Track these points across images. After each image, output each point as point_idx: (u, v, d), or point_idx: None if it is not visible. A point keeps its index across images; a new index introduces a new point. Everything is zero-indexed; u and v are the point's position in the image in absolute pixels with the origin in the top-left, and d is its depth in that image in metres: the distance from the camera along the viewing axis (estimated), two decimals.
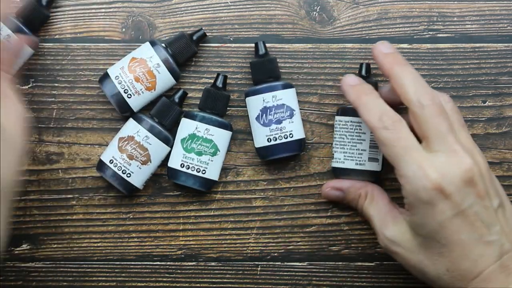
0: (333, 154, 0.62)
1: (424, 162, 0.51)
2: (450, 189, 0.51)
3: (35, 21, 0.62)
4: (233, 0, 0.65)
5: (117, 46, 0.64)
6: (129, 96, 0.61)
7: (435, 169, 0.51)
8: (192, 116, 0.61)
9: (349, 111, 0.61)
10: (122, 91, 0.61)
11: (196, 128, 0.61)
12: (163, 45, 0.62)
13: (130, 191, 0.62)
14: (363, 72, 0.62)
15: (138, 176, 0.61)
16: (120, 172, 0.61)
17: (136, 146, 0.61)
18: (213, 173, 0.62)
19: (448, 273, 0.52)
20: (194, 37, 0.63)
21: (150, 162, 0.61)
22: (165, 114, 0.62)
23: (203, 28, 0.63)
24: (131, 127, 0.61)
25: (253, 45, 0.63)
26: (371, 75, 0.62)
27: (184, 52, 0.62)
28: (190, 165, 0.61)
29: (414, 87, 0.53)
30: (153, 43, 0.62)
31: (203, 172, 0.61)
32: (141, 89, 0.61)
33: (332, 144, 0.63)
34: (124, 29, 0.65)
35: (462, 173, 0.51)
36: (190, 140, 0.61)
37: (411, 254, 0.54)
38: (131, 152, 0.61)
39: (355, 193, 0.60)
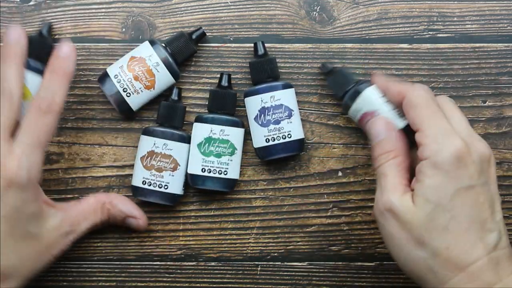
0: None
1: (450, 130, 0.53)
2: (470, 158, 0.52)
3: (42, 53, 0.61)
4: (233, 0, 0.65)
5: (117, 46, 0.64)
6: (128, 95, 0.61)
7: (463, 142, 0.52)
8: (204, 120, 0.62)
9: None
10: (121, 90, 0.61)
11: (211, 130, 0.61)
12: (163, 44, 0.62)
13: (174, 201, 0.62)
14: (327, 70, 0.63)
15: (174, 183, 0.61)
16: (157, 188, 0.61)
17: (160, 158, 0.61)
18: (234, 172, 0.62)
19: (445, 253, 0.51)
20: (194, 36, 0.63)
21: (179, 165, 0.61)
22: (171, 116, 0.62)
23: (202, 27, 0.63)
24: (146, 143, 0.61)
25: (253, 45, 0.63)
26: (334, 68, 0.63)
27: (183, 51, 0.62)
28: (211, 169, 0.61)
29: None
30: (152, 42, 0.62)
31: (225, 173, 0.61)
32: (140, 88, 0.61)
33: (332, 143, 0.63)
34: (124, 29, 0.65)
35: (482, 150, 0.53)
36: (207, 144, 0.61)
37: (414, 224, 0.52)
38: (158, 165, 0.61)
39: (389, 147, 0.56)
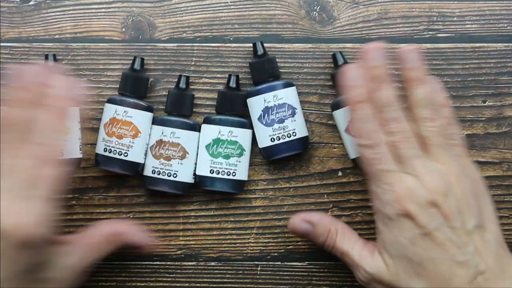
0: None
1: (394, 183, 0.53)
2: (415, 211, 0.52)
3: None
4: (233, 0, 0.65)
5: (117, 46, 0.64)
6: (125, 155, 0.61)
7: (402, 190, 0.52)
8: (212, 121, 0.62)
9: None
10: (118, 156, 0.61)
11: (220, 132, 0.61)
12: (117, 94, 0.62)
13: (184, 190, 0.62)
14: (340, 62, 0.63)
15: (183, 172, 0.61)
16: (166, 177, 0.61)
17: (168, 146, 0.61)
18: (242, 174, 0.62)
19: None
20: (135, 67, 0.62)
21: (188, 154, 0.61)
22: (180, 104, 0.62)
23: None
24: (155, 132, 0.61)
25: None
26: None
27: (136, 86, 0.62)
28: (220, 170, 0.61)
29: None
30: (109, 100, 0.61)
31: (233, 174, 0.62)
32: (130, 142, 0.61)
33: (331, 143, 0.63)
34: (124, 29, 0.65)
35: (425, 195, 0.52)
36: (216, 145, 0.61)
37: (394, 282, 0.54)
38: (166, 154, 0.61)
39: (324, 229, 0.58)
